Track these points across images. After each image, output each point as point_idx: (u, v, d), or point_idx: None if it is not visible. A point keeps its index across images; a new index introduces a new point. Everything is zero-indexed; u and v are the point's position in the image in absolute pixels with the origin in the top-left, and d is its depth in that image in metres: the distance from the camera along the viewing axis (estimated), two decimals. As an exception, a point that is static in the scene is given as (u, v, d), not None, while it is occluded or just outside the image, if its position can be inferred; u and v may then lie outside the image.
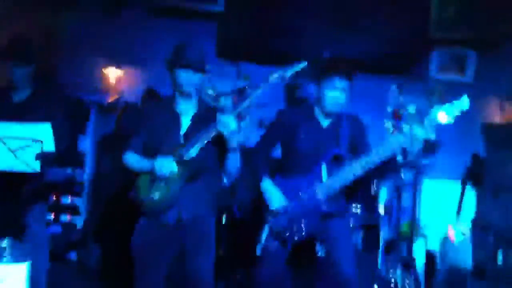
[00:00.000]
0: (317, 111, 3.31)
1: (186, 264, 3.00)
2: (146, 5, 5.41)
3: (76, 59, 5.15)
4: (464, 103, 2.97)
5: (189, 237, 2.98)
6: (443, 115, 2.97)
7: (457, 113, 2.97)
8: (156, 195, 2.94)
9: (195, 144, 2.90)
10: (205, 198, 3.04)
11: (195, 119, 3.05)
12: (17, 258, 1.76)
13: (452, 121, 2.99)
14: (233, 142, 2.92)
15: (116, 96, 5.13)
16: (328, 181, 3.16)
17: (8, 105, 3.43)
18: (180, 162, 2.91)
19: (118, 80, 5.30)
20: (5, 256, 1.74)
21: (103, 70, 5.28)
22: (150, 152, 3.01)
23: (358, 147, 3.27)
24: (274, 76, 2.95)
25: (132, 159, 3.09)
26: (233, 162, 3.01)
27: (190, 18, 5.42)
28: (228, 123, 2.84)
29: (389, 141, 3.08)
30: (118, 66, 5.29)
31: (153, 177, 2.95)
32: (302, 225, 3.19)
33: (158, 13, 5.44)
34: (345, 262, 3.17)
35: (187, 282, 3.03)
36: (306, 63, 2.96)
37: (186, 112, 3.07)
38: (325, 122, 3.30)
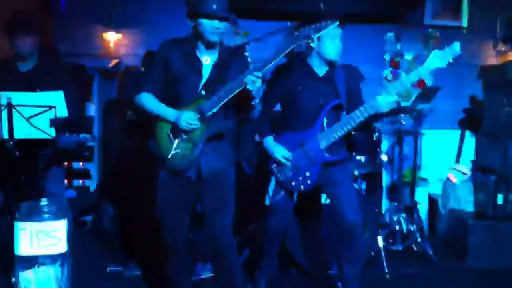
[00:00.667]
0: (312, 62, 3.36)
1: (207, 219, 3.07)
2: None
3: (74, 27, 5.15)
4: (455, 48, 3.07)
5: (210, 191, 3.02)
6: (436, 62, 3.08)
7: (449, 58, 3.07)
8: (177, 152, 2.94)
9: (219, 100, 2.86)
10: (224, 154, 3.06)
11: (216, 69, 2.99)
12: (56, 215, 1.87)
13: (444, 66, 3.10)
14: (257, 99, 2.97)
15: (116, 61, 5.16)
16: (329, 131, 3.27)
17: (16, 75, 3.50)
18: (202, 118, 2.89)
19: (118, 44, 5.32)
20: (47, 214, 1.86)
21: (102, 35, 5.29)
22: (169, 97, 2.98)
23: (352, 96, 3.37)
24: (303, 34, 2.84)
25: (151, 103, 3.00)
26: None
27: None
28: (256, 81, 2.80)
29: (386, 90, 3.18)
30: (116, 30, 5.29)
31: (174, 132, 2.94)
32: (307, 174, 3.32)
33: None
34: (348, 208, 3.31)
35: (207, 236, 3.15)
36: (338, 22, 2.88)
37: (208, 59, 2.99)
38: (321, 72, 3.38)
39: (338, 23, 2.89)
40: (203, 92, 2.94)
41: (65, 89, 3.29)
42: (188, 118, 2.88)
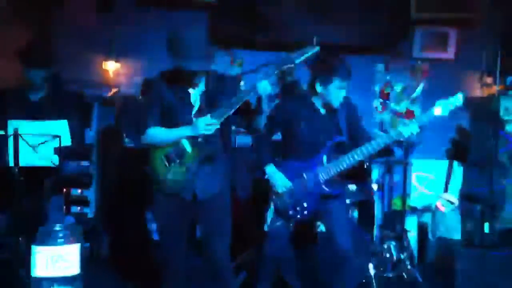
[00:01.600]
0: (315, 100, 3.53)
1: (205, 242, 3.19)
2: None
3: (75, 55, 5.28)
4: (458, 99, 3.29)
5: (206, 214, 3.15)
6: (439, 110, 3.30)
7: (451, 108, 3.29)
8: (172, 175, 3.07)
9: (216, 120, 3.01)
10: (219, 177, 3.19)
11: (205, 96, 3.14)
12: (70, 240, 1.98)
13: (446, 114, 3.31)
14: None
15: (115, 90, 5.29)
16: (329, 165, 3.43)
17: (26, 104, 3.63)
18: (195, 142, 3.04)
19: (116, 73, 5.45)
20: (61, 238, 1.97)
21: (101, 64, 5.42)
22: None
23: (354, 130, 3.53)
24: (286, 61, 3.04)
25: (161, 133, 3.12)
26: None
27: (181, 9, 5.56)
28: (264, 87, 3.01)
29: (391, 133, 3.39)
30: (116, 59, 5.43)
31: (168, 156, 3.07)
32: (304, 204, 3.45)
33: (149, 4, 5.56)
34: (341, 235, 3.45)
35: (206, 260, 3.24)
36: (318, 48, 3.06)
37: (193, 90, 3.15)
38: (323, 110, 3.54)
39: (318, 49, 3.07)
40: (197, 120, 3.06)
41: (69, 118, 3.42)
42: (204, 122, 3.00)
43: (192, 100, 3.14)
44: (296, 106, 3.54)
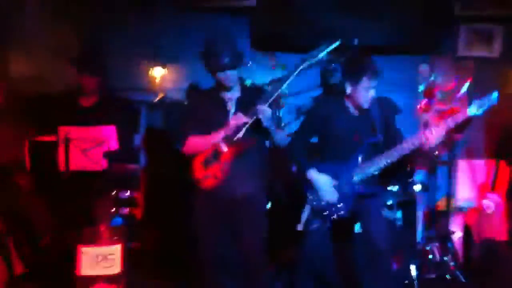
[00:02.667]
0: (347, 103, 3.57)
1: (241, 240, 3.34)
2: (182, 4, 5.69)
3: (123, 62, 5.48)
4: (493, 98, 3.29)
5: (242, 213, 3.30)
6: (474, 110, 3.31)
7: (486, 107, 3.28)
8: (209, 175, 3.23)
9: (239, 128, 3.18)
10: (254, 177, 3.34)
11: (240, 103, 3.31)
12: (113, 240, 2.14)
13: (481, 114, 3.30)
14: (270, 126, 3.21)
15: (162, 95, 5.47)
16: (364, 166, 3.46)
17: (78, 110, 3.84)
18: (230, 142, 3.20)
19: (163, 79, 5.63)
20: (105, 239, 2.13)
21: (148, 70, 5.61)
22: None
23: (388, 130, 3.55)
24: (306, 62, 3.20)
25: (197, 141, 3.31)
26: (278, 137, 3.34)
27: (224, 13, 5.69)
28: (263, 111, 3.13)
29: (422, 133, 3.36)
30: (162, 65, 5.61)
31: (207, 159, 3.24)
32: (340, 205, 3.50)
33: (194, 10, 5.71)
34: (377, 236, 3.49)
35: (242, 258, 3.39)
36: (339, 42, 3.17)
37: (231, 97, 3.34)
38: (355, 111, 3.58)
39: (339, 42, 3.19)
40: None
41: (119, 123, 3.60)
42: (235, 119, 3.19)
43: (227, 106, 3.32)
44: (329, 109, 3.59)
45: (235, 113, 3.27)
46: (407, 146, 3.36)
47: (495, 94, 3.28)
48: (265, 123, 3.18)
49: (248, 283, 3.48)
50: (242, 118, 3.17)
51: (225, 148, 3.22)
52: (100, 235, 2.11)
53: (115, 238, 2.13)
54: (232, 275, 3.85)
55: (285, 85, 3.24)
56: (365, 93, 3.46)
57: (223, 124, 3.26)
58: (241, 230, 3.34)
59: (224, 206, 3.30)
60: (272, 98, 3.18)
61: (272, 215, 4.75)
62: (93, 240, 2.13)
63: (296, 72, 3.20)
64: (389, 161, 3.40)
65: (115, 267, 2.11)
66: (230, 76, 3.24)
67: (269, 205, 4.84)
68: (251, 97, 3.28)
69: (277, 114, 3.50)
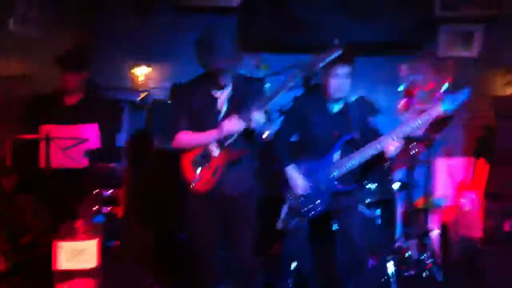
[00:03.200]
0: (326, 97, 3.61)
1: (232, 239, 3.37)
2: (170, 4, 5.73)
3: (106, 61, 5.53)
4: (465, 94, 3.36)
5: (232, 212, 3.32)
6: (447, 105, 3.36)
7: (458, 103, 3.35)
8: (201, 178, 3.23)
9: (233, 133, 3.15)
10: (245, 178, 3.35)
11: (232, 100, 3.26)
12: (89, 235, 2.19)
13: (453, 109, 3.36)
14: (262, 135, 3.23)
15: (145, 94, 5.51)
16: (341, 163, 3.53)
17: (62, 108, 3.87)
18: (222, 146, 3.20)
19: (147, 78, 5.68)
20: (81, 234, 2.19)
21: (132, 69, 5.65)
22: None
23: (365, 128, 3.61)
24: (304, 71, 3.13)
25: (187, 137, 3.27)
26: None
27: (210, 14, 5.73)
28: (258, 120, 3.09)
29: (399, 128, 3.42)
30: (146, 64, 5.65)
31: (196, 159, 3.24)
32: (317, 201, 3.57)
33: (181, 10, 5.75)
34: (354, 233, 3.57)
35: (233, 253, 3.42)
36: (340, 52, 3.10)
37: (222, 95, 3.28)
38: (334, 108, 3.63)
39: (341, 52, 3.11)
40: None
41: (102, 121, 3.64)
42: (229, 123, 3.14)
43: (218, 104, 3.28)
44: (308, 107, 3.63)
45: (226, 113, 3.25)
46: (379, 145, 3.42)
47: (467, 90, 3.34)
48: (258, 130, 3.17)
49: (240, 284, 3.53)
50: (235, 124, 3.13)
51: (216, 152, 3.23)
52: (77, 230, 2.16)
53: (92, 233, 2.17)
54: (221, 276, 3.94)
55: (281, 94, 3.18)
56: (337, 81, 3.47)
57: (213, 124, 3.23)
58: (233, 231, 3.38)
59: (214, 207, 3.32)
60: (267, 105, 3.15)
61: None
62: (70, 235, 2.18)
63: (294, 80, 3.16)
64: (363, 159, 3.46)
65: (91, 262, 2.16)
66: (226, 75, 3.19)
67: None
68: (244, 92, 3.24)
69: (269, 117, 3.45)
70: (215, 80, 3.20)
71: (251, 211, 3.38)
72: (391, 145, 3.35)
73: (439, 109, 3.35)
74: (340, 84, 3.48)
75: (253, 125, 3.10)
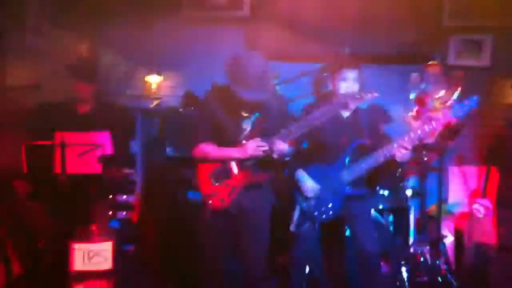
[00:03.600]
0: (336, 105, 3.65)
1: (245, 250, 3.37)
2: (179, 14, 5.80)
3: (119, 69, 5.60)
4: (473, 102, 3.38)
5: (246, 226, 3.33)
6: (455, 113, 3.39)
7: (467, 110, 3.37)
8: (216, 194, 3.24)
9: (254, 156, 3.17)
10: (263, 194, 3.39)
11: (256, 123, 3.28)
12: (104, 238, 2.22)
13: (462, 117, 3.38)
14: (282, 163, 3.32)
15: (158, 101, 5.57)
16: (352, 168, 3.55)
17: (75, 116, 3.93)
18: (243, 166, 3.22)
19: (159, 86, 5.74)
20: (97, 237, 2.22)
21: (144, 77, 5.72)
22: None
23: (375, 133, 3.65)
24: (339, 103, 3.26)
25: (210, 149, 3.27)
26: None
27: (219, 24, 5.81)
28: (281, 150, 3.15)
29: (408, 135, 3.45)
30: (158, 72, 5.71)
31: (216, 174, 3.25)
32: (329, 205, 3.59)
33: (191, 21, 5.83)
34: (365, 239, 3.58)
35: (243, 268, 3.42)
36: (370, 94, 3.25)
37: (250, 115, 3.30)
38: (345, 113, 3.67)
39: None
40: (244, 142, 3.23)
41: (114, 129, 3.69)
42: (254, 144, 3.15)
43: (244, 123, 3.30)
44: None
45: (250, 133, 3.26)
46: (387, 151, 3.44)
47: (475, 98, 3.37)
48: (277, 158, 3.21)
49: None
50: (257, 148, 3.14)
51: (236, 170, 3.25)
52: (92, 232, 2.19)
53: (106, 236, 2.21)
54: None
55: (307, 128, 3.22)
56: (345, 84, 3.53)
57: (235, 141, 3.24)
58: (245, 243, 3.38)
59: (227, 223, 3.34)
60: (292, 137, 3.19)
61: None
62: (86, 237, 2.22)
63: (321, 120, 3.22)
64: (372, 164, 3.48)
65: (106, 264, 2.19)
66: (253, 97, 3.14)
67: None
68: (268, 117, 3.26)
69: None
70: (240, 105, 3.22)
71: (263, 227, 3.39)
72: (400, 151, 3.36)
73: (448, 117, 3.38)
74: (348, 87, 3.52)
75: (275, 154, 3.13)
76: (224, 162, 3.26)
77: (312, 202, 3.62)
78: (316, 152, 3.72)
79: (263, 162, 3.24)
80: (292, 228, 3.66)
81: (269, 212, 3.42)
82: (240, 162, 3.23)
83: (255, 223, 3.34)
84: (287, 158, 3.35)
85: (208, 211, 3.30)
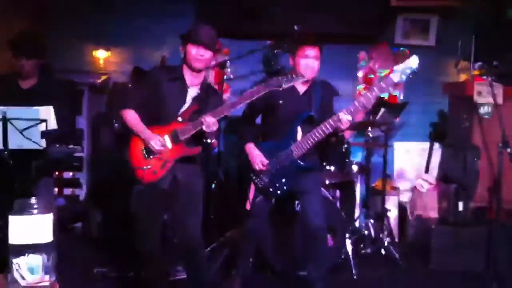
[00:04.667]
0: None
1: (178, 221, 3.42)
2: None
3: (66, 44, 5.49)
4: (413, 63, 3.42)
5: (183, 198, 3.35)
6: (397, 76, 3.42)
7: (408, 72, 3.42)
8: (149, 167, 3.27)
9: (188, 131, 3.23)
10: (194, 168, 3.41)
11: (197, 100, 3.33)
12: (43, 210, 2.21)
13: (404, 79, 3.44)
14: (211, 139, 3.33)
15: (105, 77, 5.50)
16: (301, 141, 3.60)
17: (17, 91, 3.83)
18: (176, 141, 3.25)
19: (106, 61, 5.66)
20: (35, 209, 2.21)
21: (91, 53, 5.63)
22: (150, 117, 3.31)
23: (325, 110, 3.69)
24: (274, 83, 3.24)
25: (131, 118, 3.31)
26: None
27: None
28: (212, 126, 3.20)
29: (352, 103, 3.52)
30: (106, 48, 5.63)
31: (148, 149, 3.26)
32: (282, 180, 3.65)
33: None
34: (314, 213, 3.64)
35: (179, 238, 3.49)
36: (301, 78, 3.30)
37: (191, 90, 3.34)
38: (302, 89, 3.72)
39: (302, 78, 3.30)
40: (179, 119, 3.28)
41: (59, 104, 3.62)
42: (158, 142, 3.22)
43: (187, 97, 3.33)
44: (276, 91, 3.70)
45: (188, 108, 3.31)
46: (334, 121, 3.49)
47: (414, 59, 3.42)
48: (208, 135, 3.27)
49: (187, 265, 3.58)
50: (190, 125, 3.23)
51: (169, 144, 3.27)
52: (31, 205, 2.17)
53: (46, 208, 2.19)
54: (171, 256, 4.00)
55: (247, 101, 3.30)
56: (306, 62, 3.58)
57: (172, 114, 3.29)
58: (180, 214, 3.40)
59: (162, 195, 3.36)
60: (222, 115, 3.25)
61: (216, 197, 4.97)
62: (24, 210, 2.20)
63: (264, 91, 3.25)
64: (319, 136, 3.53)
65: (45, 236, 2.18)
66: (202, 56, 3.26)
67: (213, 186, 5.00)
68: (207, 96, 3.36)
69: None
70: (193, 61, 3.28)
71: (197, 197, 3.41)
72: (345, 118, 3.44)
73: (389, 81, 3.42)
74: (310, 64, 3.58)
75: (206, 129, 3.20)
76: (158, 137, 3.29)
77: (266, 178, 3.66)
78: (269, 127, 3.76)
79: (195, 137, 3.29)
80: (247, 205, 3.69)
81: (202, 185, 3.47)
82: (174, 137, 3.26)
83: (189, 195, 3.36)
84: (214, 140, 3.39)
85: (140, 186, 3.32)
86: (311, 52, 3.59)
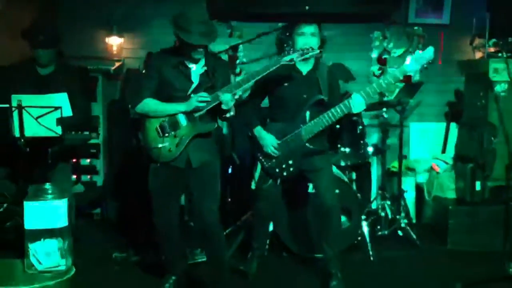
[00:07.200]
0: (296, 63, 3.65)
1: (195, 202, 3.44)
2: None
3: (79, 31, 5.51)
4: (429, 53, 3.40)
5: (198, 179, 3.37)
6: (412, 64, 3.41)
7: (423, 62, 3.40)
8: (165, 146, 3.28)
9: (202, 108, 3.25)
10: (209, 147, 3.41)
11: (205, 75, 3.33)
12: (58, 196, 2.25)
13: (418, 68, 3.42)
14: (229, 112, 3.33)
15: (119, 64, 5.51)
16: (311, 124, 3.59)
17: (36, 78, 3.89)
18: (191, 118, 3.28)
19: (120, 48, 5.67)
20: (49, 194, 2.24)
21: (105, 39, 5.64)
22: (163, 101, 3.33)
23: (333, 92, 3.69)
24: (286, 58, 3.25)
25: (156, 105, 3.31)
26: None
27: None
28: (227, 102, 3.21)
29: (362, 94, 3.49)
30: (119, 34, 5.63)
31: (163, 127, 3.28)
32: (290, 162, 3.65)
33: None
34: (326, 192, 3.64)
35: (197, 219, 3.51)
36: (319, 51, 3.31)
37: (196, 69, 3.34)
38: (305, 69, 3.70)
39: (317, 51, 3.32)
40: (192, 96, 3.27)
41: (73, 91, 3.67)
42: (199, 96, 3.22)
43: (192, 77, 3.33)
44: (280, 69, 3.68)
45: (197, 86, 3.31)
46: (346, 105, 3.48)
47: (430, 49, 3.40)
48: (225, 109, 3.27)
49: (205, 245, 3.62)
50: (204, 100, 3.22)
51: (184, 122, 3.29)
52: (46, 191, 2.21)
53: (61, 194, 2.23)
54: (190, 239, 4.03)
55: (252, 82, 3.35)
56: (303, 39, 3.57)
57: (184, 95, 3.30)
58: (197, 194, 3.42)
59: (179, 175, 3.38)
60: (237, 90, 3.27)
61: (232, 180, 4.99)
62: (39, 195, 2.24)
63: (267, 72, 3.28)
64: (331, 119, 3.52)
65: (60, 221, 2.22)
66: (202, 51, 3.27)
67: (230, 170, 5.03)
68: (213, 71, 3.33)
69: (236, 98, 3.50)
70: (189, 54, 3.27)
71: (214, 177, 3.42)
72: (356, 105, 3.43)
73: (405, 69, 3.41)
74: (306, 42, 3.55)
75: (223, 105, 3.21)
76: (170, 116, 3.29)
77: (273, 159, 3.67)
78: (276, 109, 3.75)
79: (211, 112, 3.31)
80: (253, 185, 3.72)
81: (219, 165, 3.48)
82: (188, 115, 3.27)
83: (206, 176, 3.38)
84: (231, 113, 3.37)
85: (156, 166, 3.34)
86: (308, 29, 3.59)
